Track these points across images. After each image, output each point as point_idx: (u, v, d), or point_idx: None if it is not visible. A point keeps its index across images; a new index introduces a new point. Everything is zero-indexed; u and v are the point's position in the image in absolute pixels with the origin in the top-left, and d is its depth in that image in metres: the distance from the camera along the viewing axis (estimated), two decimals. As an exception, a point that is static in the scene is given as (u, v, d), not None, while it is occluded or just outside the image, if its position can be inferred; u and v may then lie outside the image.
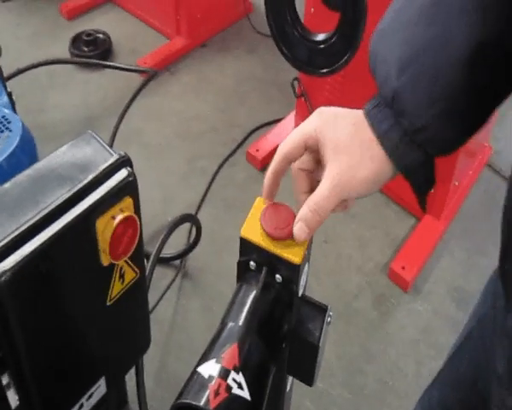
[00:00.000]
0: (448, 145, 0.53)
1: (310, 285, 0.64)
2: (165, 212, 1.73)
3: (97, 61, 2.11)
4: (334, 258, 1.66)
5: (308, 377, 0.62)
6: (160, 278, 1.55)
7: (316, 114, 0.57)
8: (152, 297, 1.45)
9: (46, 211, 0.68)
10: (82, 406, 0.85)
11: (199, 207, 1.76)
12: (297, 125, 1.99)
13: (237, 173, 1.87)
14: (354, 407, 1.38)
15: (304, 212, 0.54)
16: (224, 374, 0.48)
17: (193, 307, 1.54)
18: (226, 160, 1.91)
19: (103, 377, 0.87)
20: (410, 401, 1.40)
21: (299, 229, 0.55)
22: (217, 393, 0.46)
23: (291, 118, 1.99)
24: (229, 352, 0.49)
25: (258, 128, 2.01)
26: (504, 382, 0.56)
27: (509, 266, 0.54)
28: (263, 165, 1.87)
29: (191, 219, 1.52)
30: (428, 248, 1.68)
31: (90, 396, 0.86)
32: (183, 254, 1.58)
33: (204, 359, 0.50)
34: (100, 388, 0.87)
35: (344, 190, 0.53)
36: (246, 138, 1.98)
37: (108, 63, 2.10)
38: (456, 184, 1.74)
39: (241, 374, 0.48)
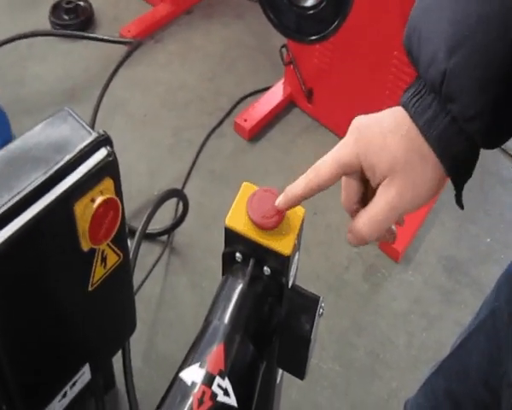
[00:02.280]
0: (500, 137, 0.47)
1: (299, 258, 0.60)
2: (151, 185, 1.69)
3: (79, 33, 2.03)
4: (324, 230, 1.64)
5: (299, 371, 0.59)
6: (147, 254, 1.52)
7: (354, 134, 0.49)
8: (138, 275, 1.43)
9: (20, 196, 0.65)
10: (65, 394, 0.83)
11: (186, 180, 1.72)
12: (286, 93, 1.95)
13: (225, 144, 1.83)
14: (345, 380, 1.38)
15: (349, 237, 0.50)
16: (209, 380, 0.45)
17: (181, 283, 1.51)
18: (213, 130, 1.86)
19: (87, 364, 0.85)
20: (402, 372, 1.41)
21: (350, 236, 0.51)
22: (200, 402, 0.43)
23: (279, 86, 1.94)
24: (214, 355, 0.46)
25: (246, 97, 1.95)
26: None
27: None
28: (251, 135, 1.83)
29: (178, 194, 1.49)
30: (419, 217, 1.66)
31: (74, 384, 0.84)
32: (170, 230, 1.55)
33: (187, 362, 0.47)
34: (84, 375, 0.86)
35: (402, 209, 0.48)
36: (233, 108, 1.93)
37: (91, 35, 2.02)
38: (448, 152, 1.71)
39: (227, 380, 0.45)
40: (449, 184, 0.51)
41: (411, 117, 0.47)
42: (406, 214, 0.50)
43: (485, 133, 0.46)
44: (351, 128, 0.50)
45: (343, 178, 0.52)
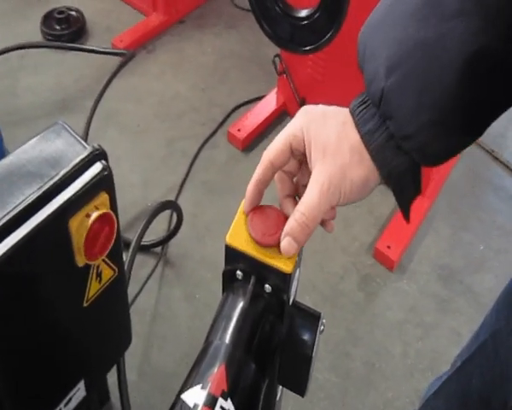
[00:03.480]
0: (437, 157, 0.49)
1: (300, 274, 0.60)
2: (145, 197, 1.69)
3: (72, 45, 2.02)
4: (319, 239, 1.63)
5: (300, 388, 0.58)
6: (141, 266, 1.51)
7: (301, 113, 0.52)
8: (132, 287, 1.42)
9: (14, 212, 0.64)
10: None
11: (179, 191, 1.71)
12: (279, 102, 1.96)
13: (218, 155, 1.83)
14: (341, 390, 1.37)
15: (291, 225, 0.50)
16: (212, 402, 0.44)
17: (175, 295, 1.50)
18: (207, 141, 1.86)
19: (82, 381, 0.84)
20: (397, 382, 1.41)
21: (287, 244, 0.50)
22: None
23: (272, 96, 1.95)
24: (216, 376, 0.45)
25: (239, 107, 1.96)
26: None
27: None
28: (244, 145, 1.83)
29: (172, 205, 1.48)
30: (413, 226, 1.67)
31: (69, 401, 0.83)
32: (163, 241, 1.54)
33: (188, 384, 0.46)
34: (79, 391, 0.84)
35: (334, 195, 0.49)
36: (227, 118, 1.93)
37: (84, 47, 2.02)
38: (440, 160, 1.72)
39: (229, 401, 0.44)
40: (442, 192, 0.51)
41: (355, 123, 0.50)
42: (337, 205, 0.51)
43: (421, 152, 0.48)
44: (300, 110, 0.53)
45: (277, 174, 0.54)
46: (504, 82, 0.45)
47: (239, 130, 1.84)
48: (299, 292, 0.60)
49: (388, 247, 1.59)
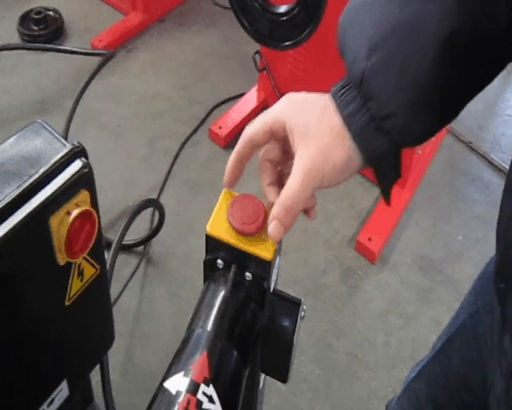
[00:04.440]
0: (416, 137, 0.50)
1: (280, 263, 0.60)
2: (127, 196, 1.68)
3: (50, 46, 2.00)
4: (301, 233, 1.65)
5: (282, 374, 0.59)
6: (123, 266, 1.51)
7: (284, 100, 0.53)
8: (115, 287, 1.41)
9: (-7, 211, 0.64)
10: None
11: (161, 190, 1.71)
12: (259, 99, 1.96)
13: (200, 152, 1.83)
14: (325, 382, 1.39)
15: (277, 209, 0.51)
16: (194, 389, 0.44)
17: (158, 294, 1.50)
18: (188, 139, 1.86)
19: (65, 380, 0.84)
20: (380, 372, 1.43)
21: (274, 228, 0.51)
22: None
23: (253, 92, 1.96)
24: (199, 363, 0.46)
25: (220, 104, 1.96)
26: (502, 402, 0.54)
27: (505, 285, 0.51)
28: (226, 142, 1.84)
29: (154, 203, 1.49)
30: (394, 218, 1.69)
31: (52, 402, 0.82)
32: (145, 240, 1.54)
33: (171, 372, 0.46)
34: (62, 391, 0.84)
35: (317, 177, 0.50)
36: (208, 115, 1.93)
37: (62, 47, 1.99)
38: (420, 152, 1.74)
39: (211, 387, 0.45)
40: (422, 184, 0.52)
41: (337, 107, 0.51)
42: (320, 188, 0.52)
43: (402, 132, 0.49)
44: (282, 97, 0.54)
45: (260, 161, 0.55)
46: (480, 63, 0.47)
47: (220, 127, 1.85)
48: (282, 287, 0.61)
49: (369, 239, 1.61)
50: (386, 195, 0.55)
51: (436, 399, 0.78)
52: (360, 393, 1.38)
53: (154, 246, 1.59)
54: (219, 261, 0.54)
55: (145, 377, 1.34)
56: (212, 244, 0.54)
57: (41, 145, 0.73)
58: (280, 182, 0.56)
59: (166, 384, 0.45)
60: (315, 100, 0.52)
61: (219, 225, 0.53)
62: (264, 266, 0.53)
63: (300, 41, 1.34)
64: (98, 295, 0.87)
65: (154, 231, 1.53)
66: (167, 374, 0.47)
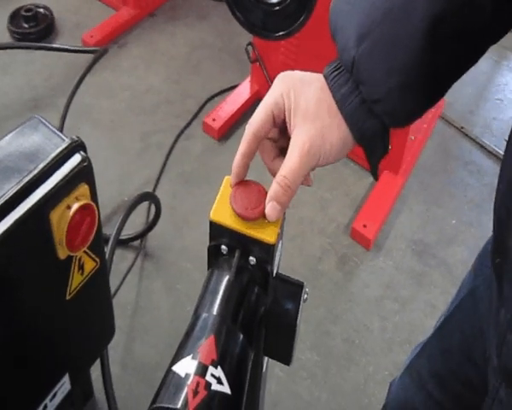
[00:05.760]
0: (404, 118, 0.52)
1: (283, 247, 0.62)
2: (122, 191, 1.68)
3: (43, 45, 1.98)
4: (297, 222, 1.66)
5: (285, 357, 0.60)
6: (121, 260, 1.52)
7: (279, 80, 0.54)
8: (113, 282, 1.41)
9: (-6, 207, 0.64)
10: (46, 407, 0.82)
11: (156, 184, 1.72)
12: (253, 91, 1.97)
13: (194, 145, 1.84)
14: (323, 369, 1.41)
15: (275, 189, 0.52)
16: (202, 371, 0.45)
17: (156, 287, 1.51)
18: (182, 132, 1.87)
19: (67, 374, 0.84)
20: (377, 356, 1.45)
21: (271, 208, 0.52)
22: (195, 392, 0.44)
23: (246, 84, 1.96)
24: (206, 346, 0.47)
25: (213, 97, 1.96)
26: (497, 374, 0.56)
27: (501, 260, 0.53)
28: (220, 134, 1.84)
29: (150, 197, 1.50)
30: (388, 204, 1.71)
31: (54, 396, 0.83)
32: (142, 234, 1.55)
33: (179, 356, 0.47)
34: (64, 385, 0.85)
35: (315, 156, 0.51)
36: (201, 108, 1.94)
37: (54, 46, 1.98)
38: (412, 138, 1.76)
39: (219, 368, 0.46)
40: (415, 170, 0.54)
41: (330, 89, 0.52)
42: (316, 166, 0.53)
43: (391, 114, 0.51)
44: (277, 77, 0.55)
45: (260, 146, 0.56)
46: (465, 46, 0.49)
47: (214, 120, 1.85)
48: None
49: (364, 226, 1.63)
50: (374, 170, 0.57)
51: (438, 374, 0.79)
52: (358, 377, 1.40)
53: (151, 240, 1.60)
54: (223, 247, 0.55)
55: (145, 370, 1.35)
56: (216, 231, 0.54)
57: (40, 140, 0.73)
58: (280, 154, 0.57)
59: (175, 368, 0.46)
60: (311, 80, 0.54)
61: (222, 212, 0.54)
62: (267, 250, 0.54)
63: (293, 31, 1.35)
64: (98, 288, 0.87)
65: (151, 225, 1.53)
66: (175, 358, 0.47)
